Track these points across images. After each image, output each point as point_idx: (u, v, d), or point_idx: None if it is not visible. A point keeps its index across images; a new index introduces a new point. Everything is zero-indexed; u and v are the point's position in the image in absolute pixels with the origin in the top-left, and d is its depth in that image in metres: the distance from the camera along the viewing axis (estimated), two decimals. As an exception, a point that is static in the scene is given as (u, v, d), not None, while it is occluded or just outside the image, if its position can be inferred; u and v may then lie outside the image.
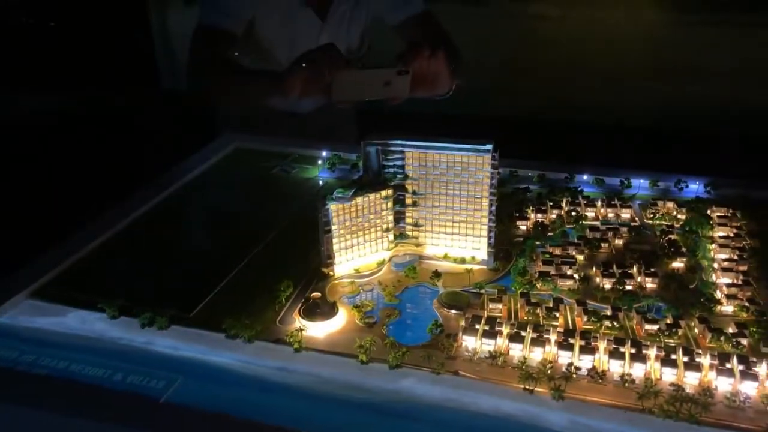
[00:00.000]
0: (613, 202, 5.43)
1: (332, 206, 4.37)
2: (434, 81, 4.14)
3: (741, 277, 4.44)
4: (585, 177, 5.73)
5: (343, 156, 6.13)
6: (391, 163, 4.59)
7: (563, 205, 5.48)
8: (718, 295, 4.31)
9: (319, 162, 6.27)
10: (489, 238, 4.62)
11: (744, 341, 3.83)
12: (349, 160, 5.99)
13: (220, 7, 5.06)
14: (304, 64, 3.82)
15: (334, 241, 4.50)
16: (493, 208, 4.53)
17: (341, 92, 3.81)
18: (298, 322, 3.97)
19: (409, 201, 4.65)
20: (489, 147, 4.33)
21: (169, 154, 7.31)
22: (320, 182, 6.08)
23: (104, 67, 12.09)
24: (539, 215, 5.36)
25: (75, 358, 3.94)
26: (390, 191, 4.59)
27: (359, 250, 4.67)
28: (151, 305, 4.22)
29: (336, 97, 3.79)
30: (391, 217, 4.69)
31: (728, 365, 3.66)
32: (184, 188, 6.29)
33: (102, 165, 9.72)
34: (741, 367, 3.61)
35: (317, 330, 3.96)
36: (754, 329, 3.92)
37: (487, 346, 3.87)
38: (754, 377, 3.54)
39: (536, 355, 3.79)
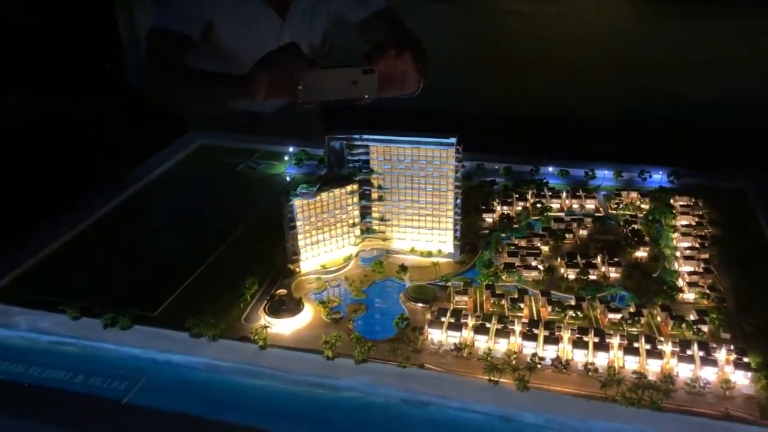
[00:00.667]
0: (577, 194, 5.48)
1: (297, 202, 4.34)
2: (402, 80, 4.12)
3: (702, 265, 4.51)
4: (550, 169, 5.77)
5: (310, 152, 6.09)
6: (355, 158, 4.57)
7: (529, 197, 5.51)
8: (680, 283, 4.37)
9: (286, 158, 6.23)
10: (455, 231, 4.63)
11: (704, 328, 3.89)
12: (316, 155, 5.96)
13: (174, 10, 4.95)
14: (267, 67, 3.78)
15: (300, 237, 4.48)
16: (459, 201, 4.54)
17: (307, 93, 3.77)
18: (264, 319, 3.94)
19: (374, 195, 4.63)
20: (453, 140, 4.34)
21: (133, 153, 7.20)
22: (287, 178, 6.04)
23: (69, 65, 11.87)
24: (505, 207, 5.39)
25: (34, 361, 3.86)
26: (355, 186, 4.57)
27: (325, 246, 4.65)
28: (113, 305, 4.15)
29: (302, 98, 3.76)
30: (357, 212, 4.67)
31: (689, 352, 3.71)
32: (148, 186, 6.21)
33: (64, 164, 9.56)
34: (701, 354, 3.67)
35: (283, 327, 3.93)
36: (714, 316, 3.99)
37: (452, 338, 3.88)
38: (714, 363, 3.60)
39: (501, 346, 3.81)
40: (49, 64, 12.32)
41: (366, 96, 3.73)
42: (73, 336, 3.92)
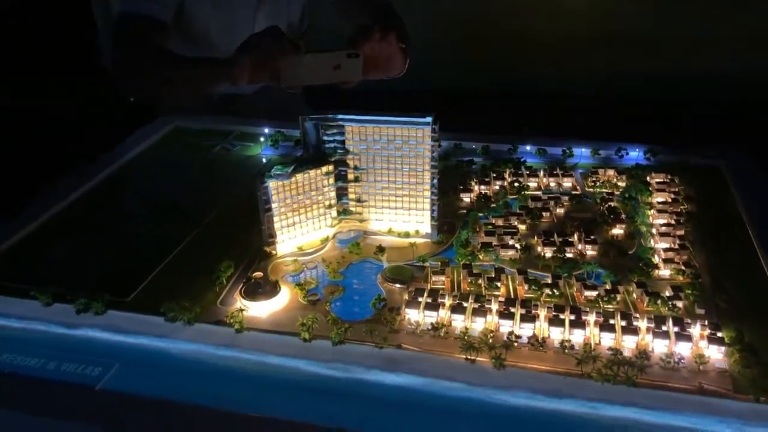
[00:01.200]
0: (555, 172, 5.47)
1: (271, 183, 4.28)
2: (387, 62, 4.04)
3: (678, 242, 4.53)
4: (528, 148, 5.75)
5: (286, 133, 6.02)
6: (331, 138, 4.52)
7: (506, 176, 5.50)
8: (656, 259, 4.39)
9: (262, 139, 6.15)
10: (432, 211, 4.61)
11: (679, 304, 3.91)
12: (292, 136, 5.89)
13: None
14: (250, 50, 3.69)
15: (275, 219, 4.42)
16: (435, 181, 4.50)
17: (290, 77, 3.70)
18: (240, 302, 3.90)
19: (351, 176, 4.59)
20: (428, 120, 4.29)
21: (107, 136, 7.06)
22: (263, 160, 5.96)
23: (40, 47, 11.60)
24: (483, 187, 5.37)
25: (6, 348, 3.79)
26: (331, 167, 4.52)
27: (302, 228, 4.60)
28: (86, 291, 4.08)
29: (285, 83, 3.68)
30: (333, 194, 4.62)
31: (664, 328, 3.73)
32: (121, 170, 6.10)
33: (34, 149, 9.39)
34: (676, 329, 3.69)
35: (260, 310, 3.89)
36: (689, 291, 4.01)
37: (429, 318, 3.87)
38: (688, 338, 3.62)
39: (478, 325, 3.80)
40: (19, 46, 12.03)
41: (351, 80, 3.67)
42: (46, 322, 3.85)
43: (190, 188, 5.34)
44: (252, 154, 5.78)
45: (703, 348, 3.62)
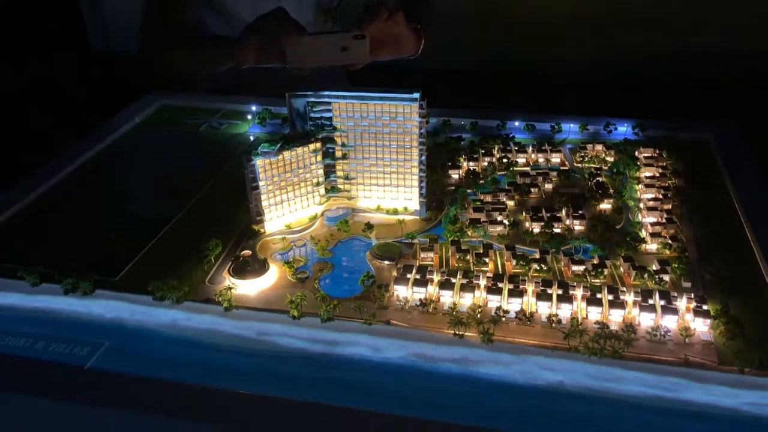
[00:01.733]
0: (543, 148, 5.47)
1: (258, 161, 4.26)
2: (397, 43, 3.97)
3: (665, 216, 4.55)
4: (516, 123, 5.74)
5: (274, 110, 5.97)
6: (318, 115, 4.48)
7: (495, 152, 5.49)
8: (643, 234, 4.41)
9: (249, 117, 6.10)
10: (420, 188, 4.60)
11: (666, 277, 3.94)
12: (280, 114, 5.84)
13: None
14: (254, 32, 3.63)
15: (263, 197, 4.40)
16: (423, 157, 4.49)
17: (296, 59, 3.65)
18: (228, 281, 3.89)
19: (338, 153, 4.56)
20: (416, 96, 4.27)
21: (93, 114, 7.00)
22: (250, 137, 5.92)
23: (25, 26, 11.43)
24: (471, 163, 5.36)
25: (-7, 328, 3.78)
26: (318, 144, 4.50)
27: (290, 206, 4.58)
28: (74, 271, 4.07)
29: (291, 64, 3.64)
30: (321, 171, 4.60)
31: (650, 301, 3.76)
32: (108, 149, 6.04)
33: (21, 128, 9.30)
34: (662, 303, 3.72)
35: (248, 288, 3.89)
36: (676, 265, 4.04)
37: (418, 294, 3.88)
38: (674, 311, 3.65)
39: (466, 300, 3.82)
40: (4, 23, 11.85)
41: (359, 62, 3.63)
42: (34, 302, 3.83)
43: (178, 167, 5.31)
44: (239, 132, 5.74)
45: (689, 321, 3.65)
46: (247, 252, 3.94)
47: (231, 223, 4.24)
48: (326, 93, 4.10)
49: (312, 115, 4.15)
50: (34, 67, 11.79)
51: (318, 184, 4.35)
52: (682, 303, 3.62)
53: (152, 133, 5.95)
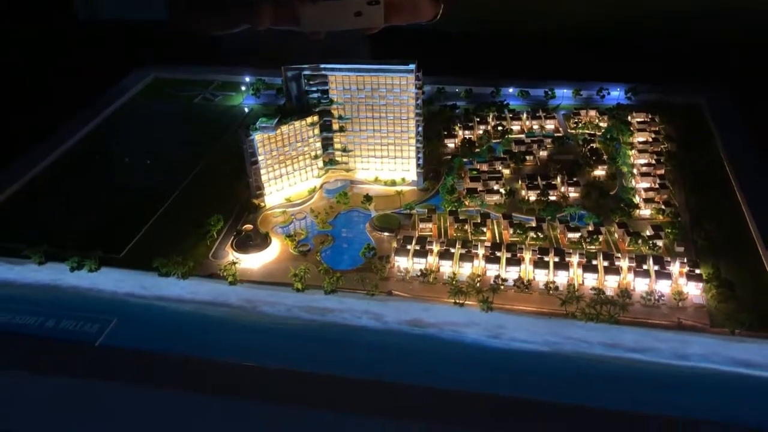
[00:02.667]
0: (537, 114, 5.51)
1: (257, 136, 4.29)
2: (413, 8, 3.96)
3: (658, 181, 4.63)
4: (511, 90, 5.77)
5: (267, 81, 5.96)
6: (314, 89, 4.50)
7: (490, 120, 5.53)
8: (637, 199, 4.50)
9: (243, 88, 6.09)
10: (417, 159, 4.65)
11: (659, 243, 4.04)
12: (273, 84, 5.86)
13: None
14: None
15: (262, 171, 4.45)
16: (420, 128, 4.53)
17: (311, 23, 3.67)
18: (231, 255, 3.96)
19: (336, 126, 4.61)
20: (412, 67, 4.29)
21: (86, 89, 6.93)
22: (245, 109, 5.93)
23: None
24: (467, 132, 5.41)
25: (2, 308, 3.85)
26: (315, 117, 4.53)
27: (289, 179, 4.64)
28: (78, 249, 4.13)
29: (306, 28, 3.64)
30: (318, 144, 4.65)
31: (645, 266, 3.86)
32: (103, 124, 6.05)
33: (14, 105, 9.17)
34: (656, 268, 3.82)
35: (251, 262, 3.97)
36: (669, 230, 4.14)
37: (418, 265, 3.96)
38: (668, 276, 3.76)
39: (465, 270, 3.91)
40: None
41: (374, 27, 3.63)
42: (41, 281, 3.91)
43: (174, 141, 5.35)
44: (234, 104, 5.74)
45: (682, 285, 3.77)
46: (248, 226, 4.01)
47: (230, 196, 4.31)
48: (322, 66, 4.12)
49: (308, 88, 4.17)
50: (21, 39, 11.49)
51: (316, 157, 4.41)
52: (675, 267, 3.74)
53: (147, 107, 5.97)
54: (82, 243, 3.91)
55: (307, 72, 4.15)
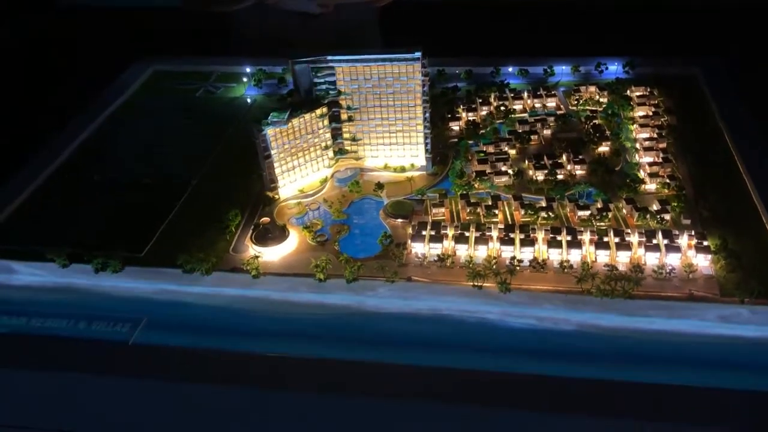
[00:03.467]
0: (538, 93, 5.62)
1: (269, 131, 4.38)
2: None
3: (661, 155, 4.77)
4: (510, 69, 5.86)
5: (268, 70, 6.03)
6: (322, 80, 4.59)
7: (492, 100, 5.63)
8: (642, 174, 4.64)
9: (245, 79, 6.15)
10: (426, 144, 4.77)
11: (667, 216, 4.19)
12: (274, 73, 5.91)
13: None
14: None
15: (276, 165, 4.55)
16: (428, 114, 4.64)
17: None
18: (252, 249, 4.08)
19: (344, 116, 4.70)
20: (418, 55, 4.38)
21: (84, 85, 6.92)
22: (248, 100, 5.99)
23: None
24: (470, 114, 5.51)
25: (33, 311, 3.96)
26: (325, 109, 4.62)
27: (301, 171, 4.74)
28: (99, 249, 4.22)
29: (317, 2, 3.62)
30: (328, 135, 4.75)
31: (654, 241, 4.02)
32: (108, 122, 6.09)
33: (13, 106, 9.11)
34: (666, 242, 3.98)
35: (272, 254, 4.09)
36: (675, 204, 4.28)
37: (434, 250, 4.10)
38: (677, 249, 3.91)
39: (481, 252, 4.05)
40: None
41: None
42: (67, 283, 4.01)
43: (181, 136, 5.39)
44: (236, 95, 5.81)
45: (691, 257, 3.92)
46: (265, 219, 4.12)
47: (243, 189, 4.39)
48: (329, 57, 4.20)
49: (316, 80, 4.26)
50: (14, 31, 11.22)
51: (326, 147, 4.51)
52: (683, 240, 3.88)
53: (151, 102, 6.00)
54: (102, 243, 3.94)
55: (314, 65, 4.17)
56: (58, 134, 4.99)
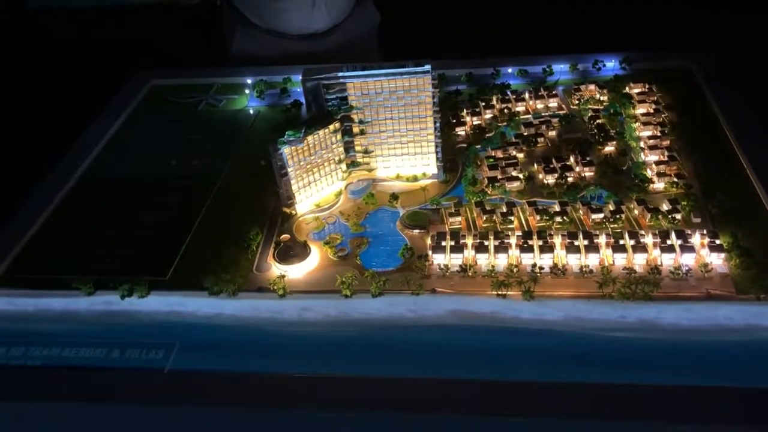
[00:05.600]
0: (540, 93, 5.71)
1: (286, 150, 4.44)
2: None
3: (666, 153, 4.90)
4: (510, 70, 5.95)
5: (268, 80, 6.06)
6: (333, 96, 4.65)
7: (495, 103, 5.72)
8: (649, 173, 4.76)
9: (246, 91, 6.17)
10: (437, 152, 4.85)
11: (678, 216, 4.32)
12: (276, 83, 5.94)
13: None
14: None
15: (292, 182, 4.61)
16: (438, 124, 4.72)
17: None
18: (275, 267, 4.15)
19: (356, 130, 4.76)
20: (428, 67, 4.46)
21: (84, 100, 6.73)
22: (250, 111, 6.02)
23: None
24: (474, 118, 5.59)
25: (65, 342, 4.00)
26: (337, 124, 4.68)
27: (316, 186, 4.80)
28: (122, 275, 4.26)
29: None
30: (341, 149, 4.81)
31: (669, 242, 4.15)
32: (112, 144, 6.04)
33: (11, 137, 8.80)
34: (680, 242, 4.11)
35: (295, 271, 4.16)
36: (685, 203, 4.41)
37: (455, 260, 4.20)
38: (691, 249, 4.04)
39: (501, 260, 4.15)
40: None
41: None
42: (94, 311, 4.05)
43: (189, 153, 5.36)
44: (239, 108, 5.84)
45: (705, 256, 4.06)
46: (285, 236, 4.19)
47: (258, 205, 4.43)
48: (340, 74, 4.26)
49: (327, 96, 4.32)
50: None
51: (340, 161, 4.58)
52: (695, 239, 4.01)
53: (154, 120, 5.95)
54: (124, 269, 3.93)
55: (325, 82, 4.21)
56: (60, 161, 4.96)
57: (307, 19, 5.75)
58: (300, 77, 4.30)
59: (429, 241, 3.74)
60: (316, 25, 5.80)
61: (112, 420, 3.20)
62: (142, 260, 3.90)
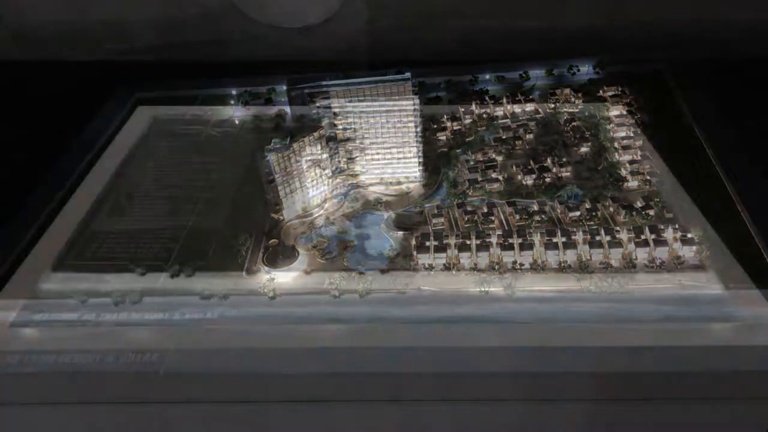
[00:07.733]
0: (517, 98, 5.93)
1: (273, 156, 4.59)
2: None
3: (639, 153, 5.12)
4: (487, 76, 6.16)
5: (252, 90, 6.23)
6: (318, 104, 4.81)
7: (474, 108, 5.92)
8: (623, 172, 4.97)
9: (231, 102, 6.33)
10: (419, 157, 5.03)
11: (651, 212, 4.53)
12: (260, 93, 6.11)
13: None
14: None
15: (279, 188, 4.76)
16: (419, 129, 4.90)
17: None
18: (264, 270, 4.30)
19: (340, 136, 4.93)
20: (407, 75, 4.64)
21: (69, 121, 6.82)
22: (236, 121, 6.18)
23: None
24: (455, 123, 5.79)
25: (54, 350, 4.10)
26: (322, 131, 4.84)
27: (302, 192, 4.96)
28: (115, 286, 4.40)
29: None
30: (326, 155, 4.97)
31: (643, 236, 4.35)
32: (100, 168, 6.12)
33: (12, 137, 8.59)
34: (653, 237, 4.31)
35: (285, 275, 4.31)
36: (657, 199, 4.63)
37: (439, 259, 4.37)
38: (664, 243, 4.25)
39: (483, 258, 4.34)
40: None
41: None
42: (85, 318, 4.18)
43: (178, 167, 5.52)
44: (224, 118, 5.99)
45: (678, 249, 4.26)
46: (274, 241, 4.36)
47: (246, 213, 4.62)
48: (324, 83, 4.44)
49: (312, 104, 4.49)
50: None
51: (325, 167, 4.74)
52: (668, 233, 4.22)
53: (142, 139, 6.10)
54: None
55: (309, 91, 4.42)
56: (54, 190, 5.04)
57: (302, 11, 5.88)
58: (285, 87, 4.48)
59: (413, 242, 3.92)
60: (309, 19, 5.96)
61: (112, 420, 3.33)
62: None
